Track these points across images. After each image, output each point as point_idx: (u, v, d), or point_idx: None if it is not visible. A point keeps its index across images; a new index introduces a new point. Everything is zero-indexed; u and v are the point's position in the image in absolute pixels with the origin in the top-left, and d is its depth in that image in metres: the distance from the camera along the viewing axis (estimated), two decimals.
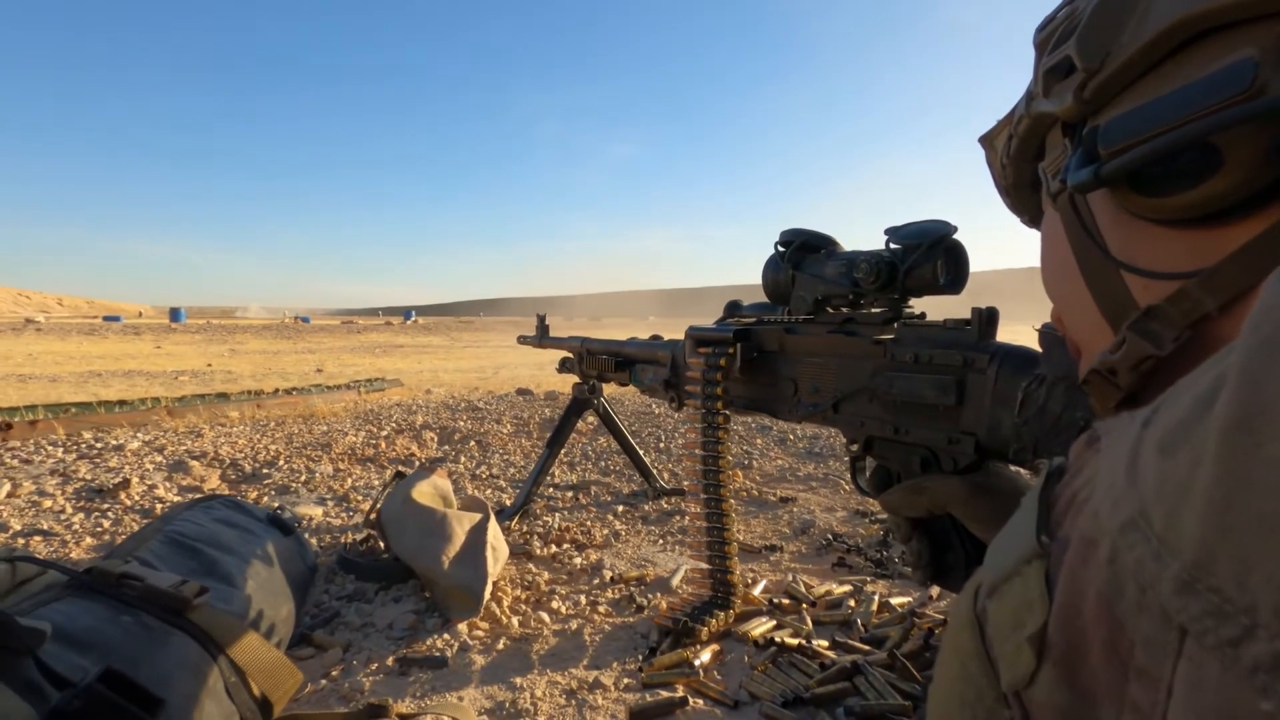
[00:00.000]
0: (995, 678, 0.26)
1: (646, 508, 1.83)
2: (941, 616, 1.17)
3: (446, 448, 2.51)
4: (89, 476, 1.95)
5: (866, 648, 1.06)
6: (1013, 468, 0.75)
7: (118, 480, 1.85)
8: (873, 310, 0.90)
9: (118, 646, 0.70)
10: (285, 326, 27.06)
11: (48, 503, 1.71)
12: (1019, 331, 1.06)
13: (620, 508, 1.82)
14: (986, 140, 0.54)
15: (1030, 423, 0.68)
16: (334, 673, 1.00)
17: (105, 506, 1.71)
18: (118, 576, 0.78)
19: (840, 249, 0.98)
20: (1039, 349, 0.69)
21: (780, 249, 1.01)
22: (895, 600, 1.21)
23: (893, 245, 0.85)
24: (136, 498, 1.78)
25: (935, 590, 1.30)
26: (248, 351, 13.17)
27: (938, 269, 0.82)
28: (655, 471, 1.99)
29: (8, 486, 1.79)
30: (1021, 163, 0.47)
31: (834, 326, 0.93)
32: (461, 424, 2.84)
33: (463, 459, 2.34)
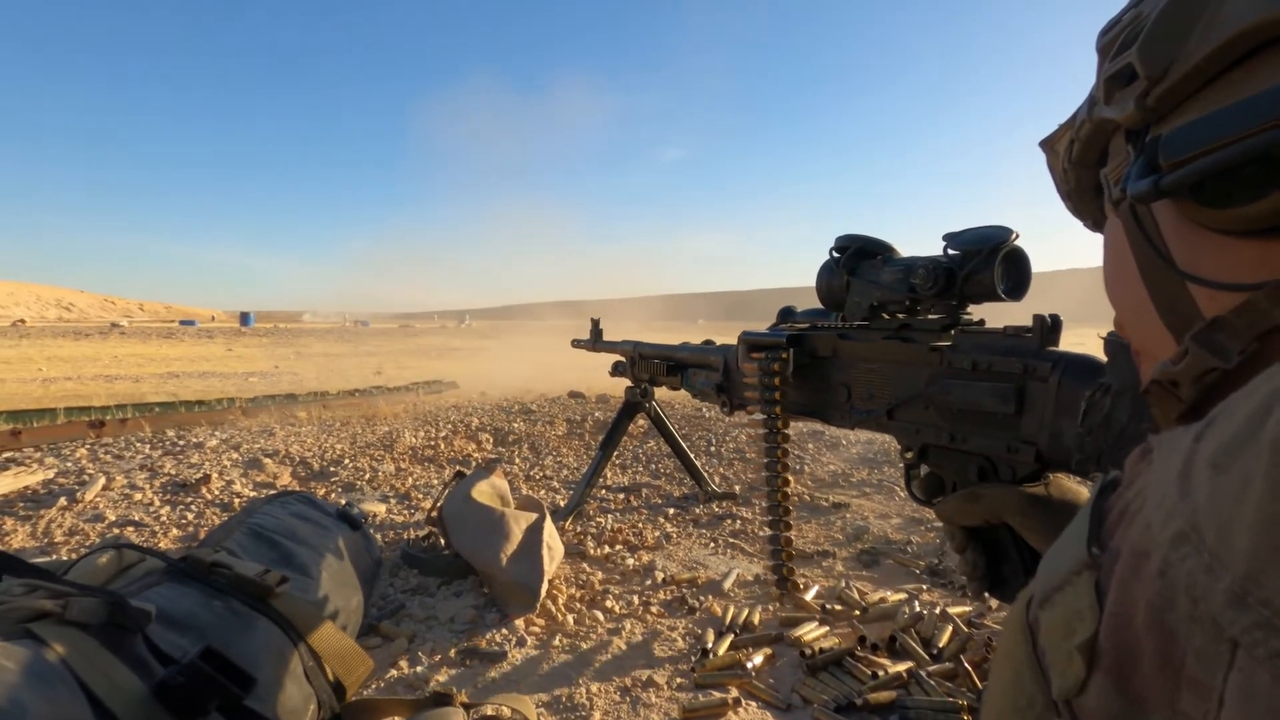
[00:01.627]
0: (1046, 685, 0.27)
1: (697, 511, 1.85)
2: (1000, 627, 1.14)
3: (501, 449, 2.57)
4: (173, 471, 2.08)
5: (923, 655, 1.05)
6: (1075, 479, 0.73)
7: (199, 476, 1.98)
8: (929, 317, 0.89)
9: (211, 629, 0.75)
10: (346, 330, 28.06)
11: (138, 496, 1.84)
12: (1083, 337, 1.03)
13: (671, 510, 1.84)
14: (1048, 144, 0.53)
15: (1094, 433, 0.67)
16: (400, 662, 1.05)
17: (189, 500, 1.82)
18: (209, 565, 0.84)
19: (897, 254, 0.98)
20: (1105, 357, 0.67)
21: (835, 254, 1.00)
22: (953, 610, 1.19)
23: (951, 251, 0.84)
24: (216, 492, 1.89)
25: (994, 602, 1.27)
26: (311, 354, 13.72)
27: (997, 276, 0.81)
28: (706, 475, 1.99)
29: (103, 480, 1.92)
30: (1083, 168, 0.46)
31: (889, 333, 0.93)
32: (516, 426, 2.91)
33: (517, 460, 2.40)
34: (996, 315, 0.87)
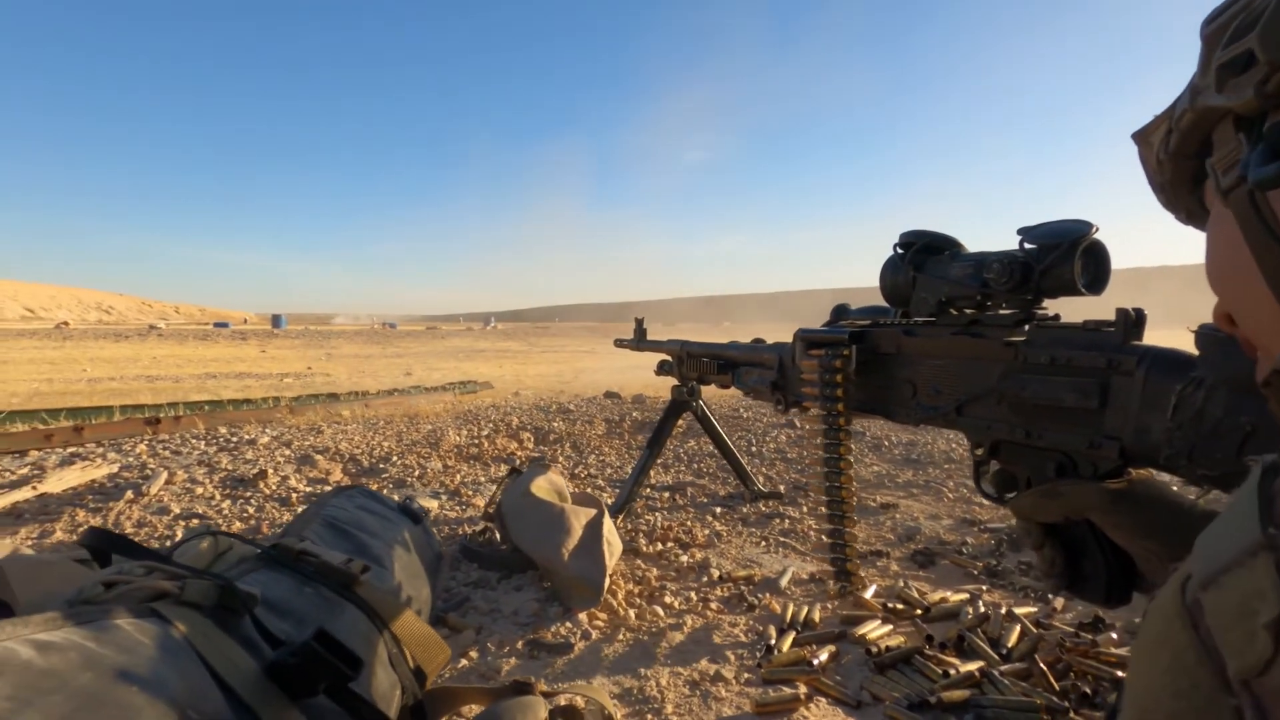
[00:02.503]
0: (1213, 667, 0.27)
1: (745, 510, 1.85)
2: (1070, 628, 1.13)
3: (543, 447, 2.60)
4: (230, 467, 2.14)
5: (993, 655, 1.04)
6: (1160, 474, 0.72)
7: (255, 471, 2.03)
8: (1001, 312, 0.88)
9: (306, 614, 0.78)
10: (374, 332, 28.48)
11: (199, 490, 1.90)
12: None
13: (718, 509, 1.84)
14: (1141, 136, 0.53)
15: (1185, 427, 0.66)
16: (470, 653, 1.07)
17: (248, 494, 1.87)
18: (297, 552, 0.87)
19: (964, 250, 0.97)
20: (1196, 351, 0.66)
21: (900, 250, 1.00)
22: (1019, 611, 1.18)
23: (1027, 245, 0.83)
24: (274, 487, 1.94)
25: (1059, 602, 1.25)
26: (342, 356, 13.96)
27: (1077, 270, 0.80)
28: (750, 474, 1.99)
29: (165, 475, 1.99)
30: (1181, 159, 0.46)
31: (959, 328, 0.92)
32: (556, 425, 2.93)
33: (560, 459, 2.42)
34: (1071, 310, 0.86)
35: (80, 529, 1.60)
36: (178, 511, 1.73)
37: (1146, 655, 0.32)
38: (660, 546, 1.54)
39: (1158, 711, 0.30)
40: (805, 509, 1.84)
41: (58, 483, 1.89)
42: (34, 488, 1.82)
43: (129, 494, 1.82)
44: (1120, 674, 0.97)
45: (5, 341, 16.15)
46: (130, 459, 2.24)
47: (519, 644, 1.10)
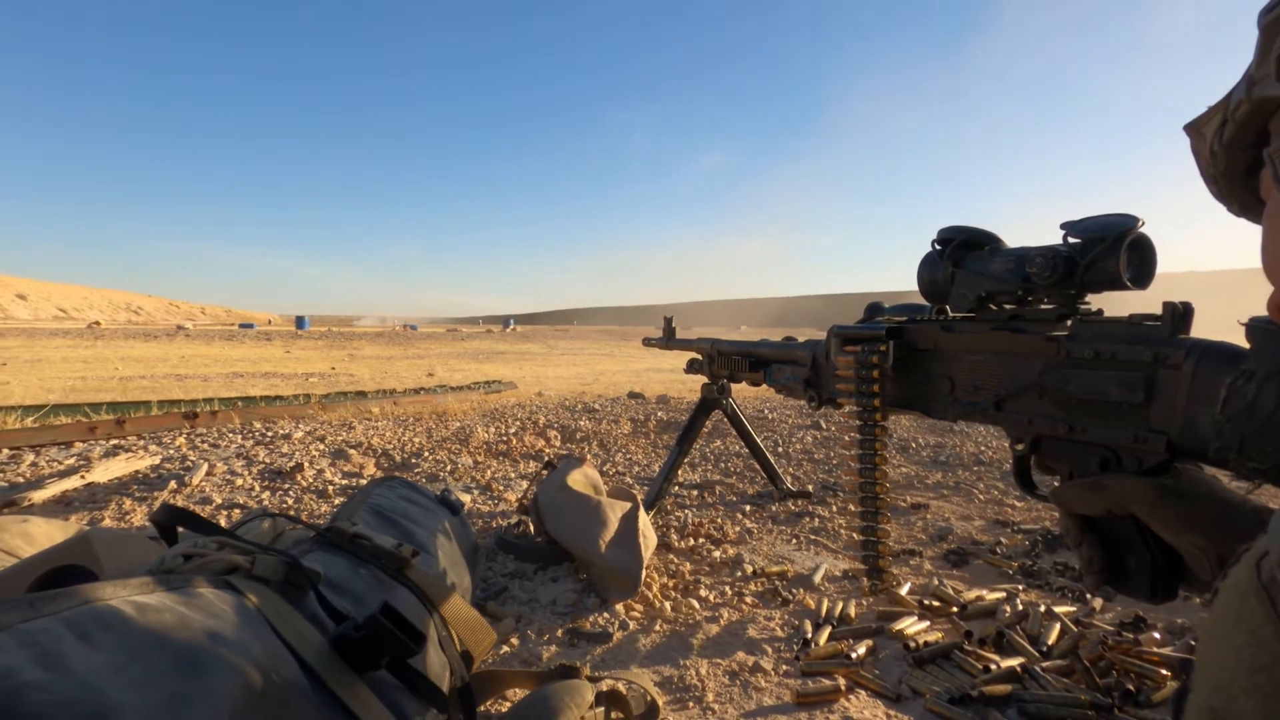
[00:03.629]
0: None
1: (774, 508, 1.85)
2: (1111, 627, 1.12)
3: (570, 445, 2.62)
4: (268, 460, 2.19)
5: (1033, 652, 1.04)
6: (1208, 469, 0.72)
7: (292, 464, 2.07)
8: (1043, 306, 0.88)
9: (362, 593, 0.80)
10: (396, 334, 28.79)
11: (239, 481, 1.94)
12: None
13: (748, 507, 1.85)
14: (1194, 128, 0.53)
15: (1235, 420, 0.66)
16: (511, 640, 1.09)
17: (286, 486, 1.91)
18: (351, 536, 0.89)
19: (1004, 245, 0.97)
20: (1246, 343, 0.66)
21: (938, 246, 1.01)
22: (1059, 609, 1.17)
23: (1070, 239, 0.83)
24: (310, 479, 1.98)
25: (1098, 602, 1.24)
26: (364, 357, 14.14)
27: (1122, 263, 0.80)
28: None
29: (205, 466, 2.04)
30: (1236, 149, 0.47)
31: (999, 324, 0.93)
32: (582, 424, 2.96)
33: (588, 456, 2.44)
34: (1115, 305, 0.86)
35: (127, 516, 1.65)
36: (220, 501, 1.77)
37: (1221, 632, 0.33)
38: (692, 542, 1.56)
39: (1233, 686, 0.31)
40: (835, 508, 1.84)
41: (104, 473, 1.95)
42: (82, 477, 1.88)
43: (172, 484, 1.87)
44: (1165, 673, 0.96)
45: (41, 340, 16.58)
46: (171, 451, 2.30)
47: (558, 632, 1.12)
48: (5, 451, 2.26)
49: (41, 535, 0.95)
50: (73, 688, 0.39)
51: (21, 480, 1.91)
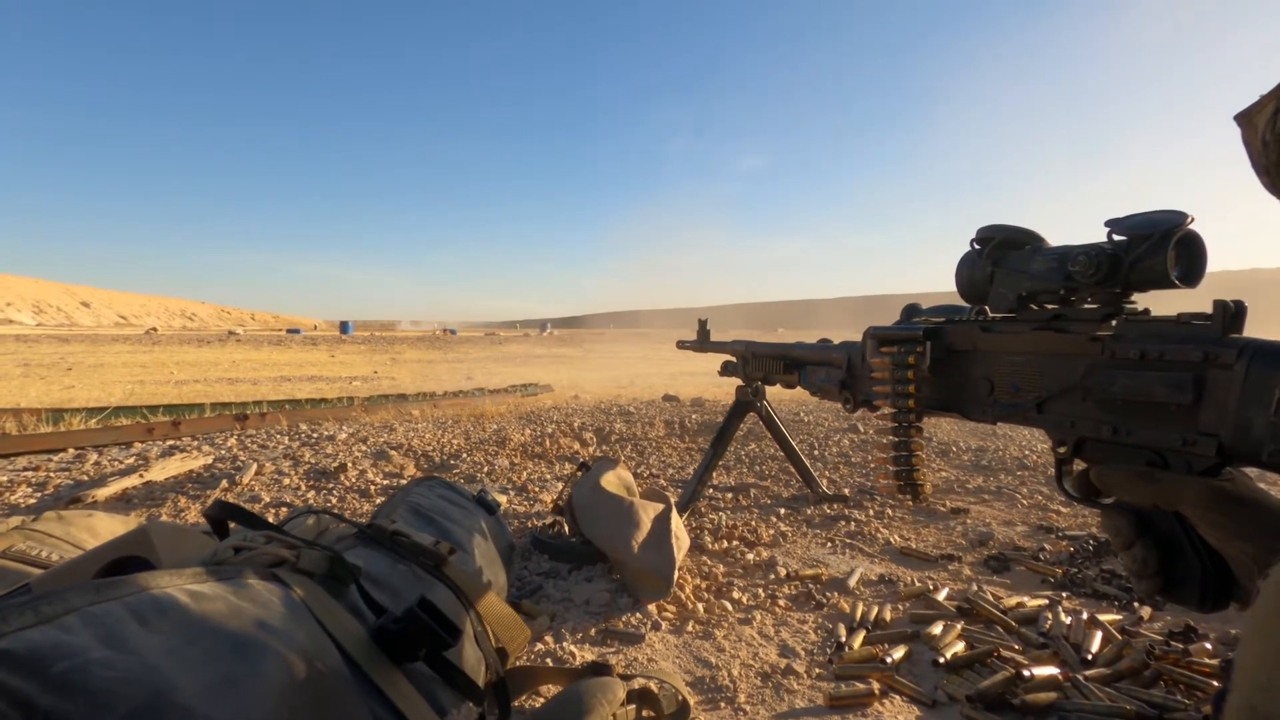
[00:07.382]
0: None
1: (809, 511, 1.84)
2: (1159, 637, 1.09)
3: (605, 447, 2.64)
4: (313, 460, 2.26)
5: (1077, 659, 1.01)
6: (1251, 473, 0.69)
7: (336, 465, 2.14)
8: (1086, 306, 0.86)
9: (401, 588, 0.83)
10: (436, 338, 29.35)
11: (286, 480, 2.01)
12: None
13: (783, 510, 1.84)
14: (1245, 118, 0.52)
15: None
16: (546, 638, 1.11)
17: (330, 485, 1.98)
18: (390, 533, 0.92)
19: (1046, 244, 0.95)
20: None
21: (977, 246, 0.99)
22: (1104, 617, 1.14)
23: (1115, 237, 0.81)
24: (353, 479, 2.04)
25: (1147, 611, 1.20)
26: (406, 360, 14.44)
27: (1170, 261, 0.78)
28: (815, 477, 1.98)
29: (255, 466, 2.12)
30: None
31: (1040, 324, 0.91)
32: (617, 426, 2.98)
33: (622, 458, 2.46)
34: (1164, 305, 0.84)
35: (182, 514, 1.73)
36: (268, 500, 1.84)
37: (1265, 629, 0.32)
38: (726, 544, 1.55)
39: (1275, 684, 0.30)
40: (871, 512, 1.82)
41: (160, 472, 2.04)
42: (141, 476, 1.97)
43: (224, 483, 1.95)
44: (1216, 684, 0.93)
45: (103, 346, 17.39)
46: (222, 451, 2.40)
47: (592, 631, 1.13)
48: (71, 451, 2.38)
49: (104, 528, 1.01)
50: (134, 666, 0.41)
51: (86, 478, 2.01)
